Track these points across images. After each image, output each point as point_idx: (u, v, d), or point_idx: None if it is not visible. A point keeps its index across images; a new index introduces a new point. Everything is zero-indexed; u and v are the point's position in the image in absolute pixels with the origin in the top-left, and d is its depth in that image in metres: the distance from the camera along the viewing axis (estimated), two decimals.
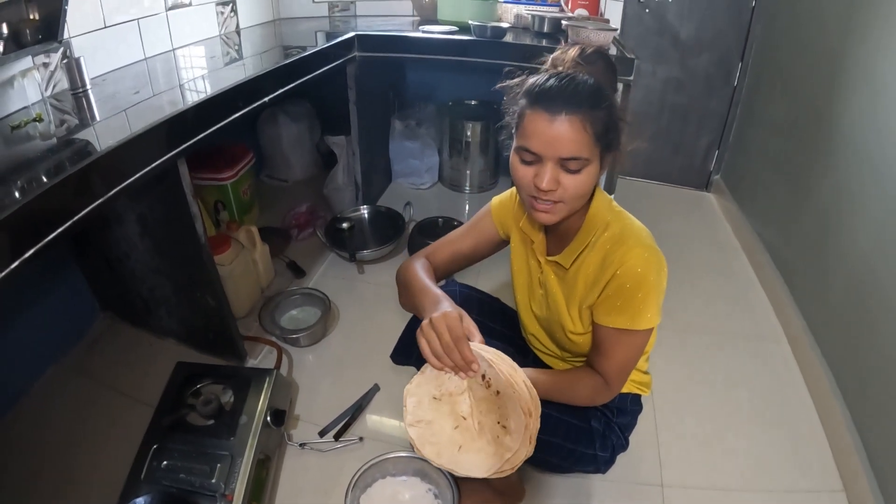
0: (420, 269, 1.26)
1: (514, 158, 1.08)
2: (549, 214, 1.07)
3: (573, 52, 1.10)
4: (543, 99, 1.00)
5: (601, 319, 1.13)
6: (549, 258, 1.22)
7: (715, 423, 1.78)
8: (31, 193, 1.02)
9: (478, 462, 0.98)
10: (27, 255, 1.02)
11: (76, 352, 1.98)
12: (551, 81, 1.02)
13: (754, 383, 1.94)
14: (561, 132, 0.98)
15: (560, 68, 1.07)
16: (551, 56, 1.12)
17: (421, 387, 1.05)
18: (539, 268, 1.26)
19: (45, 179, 1.09)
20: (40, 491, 1.53)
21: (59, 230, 1.09)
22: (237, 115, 1.67)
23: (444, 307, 1.06)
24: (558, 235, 1.21)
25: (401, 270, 1.30)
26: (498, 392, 1.00)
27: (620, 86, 1.92)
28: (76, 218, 1.12)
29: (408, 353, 1.40)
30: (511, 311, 1.46)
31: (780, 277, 2.30)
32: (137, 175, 1.30)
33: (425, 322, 1.04)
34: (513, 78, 1.11)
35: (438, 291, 1.15)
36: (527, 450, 0.97)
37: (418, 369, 1.09)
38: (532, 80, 1.05)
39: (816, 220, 2.05)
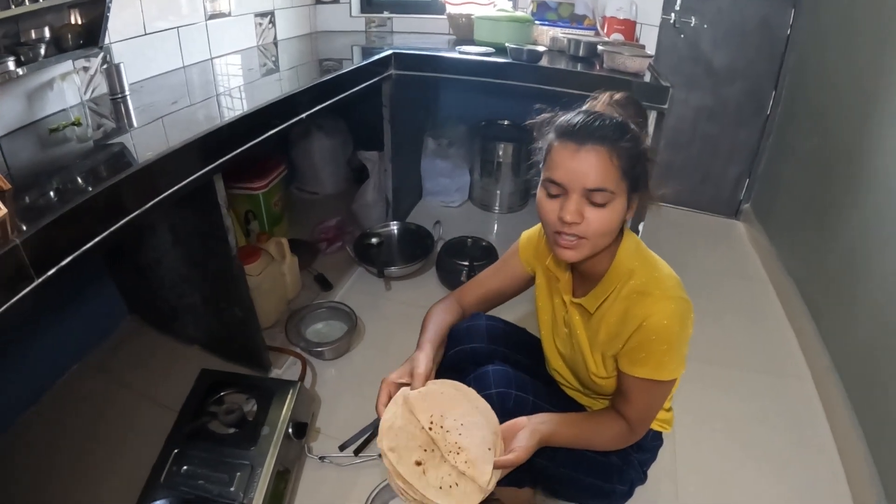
0: (438, 314, 1.35)
1: (540, 193, 1.08)
2: (573, 251, 1.06)
3: (605, 97, 1.11)
4: (570, 131, 1.01)
5: (625, 368, 1.13)
6: (575, 300, 1.21)
7: (733, 459, 1.75)
8: (70, 203, 1.04)
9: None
10: (65, 262, 1.05)
11: (99, 352, 2.00)
12: (579, 117, 1.03)
13: (775, 420, 1.90)
14: (586, 162, 0.99)
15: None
16: (586, 103, 1.13)
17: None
18: (564, 307, 1.25)
19: (84, 188, 1.12)
20: (58, 488, 1.55)
21: (96, 240, 1.11)
22: (275, 130, 1.69)
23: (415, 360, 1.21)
24: (584, 276, 1.20)
25: (428, 311, 1.36)
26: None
27: (650, 128, 1.93)
28: (112, 229, 1.15)
29: None
30: (538, 341, 1.44)
31: (807, 312, 2.26)
32: (174, 188, 1.32)
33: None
34: (542, 114, 1.12)
35: (425, 344, 1.25)
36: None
37: None
38: (562, 116, 1.07)
39: (845, 255, 2.02)
